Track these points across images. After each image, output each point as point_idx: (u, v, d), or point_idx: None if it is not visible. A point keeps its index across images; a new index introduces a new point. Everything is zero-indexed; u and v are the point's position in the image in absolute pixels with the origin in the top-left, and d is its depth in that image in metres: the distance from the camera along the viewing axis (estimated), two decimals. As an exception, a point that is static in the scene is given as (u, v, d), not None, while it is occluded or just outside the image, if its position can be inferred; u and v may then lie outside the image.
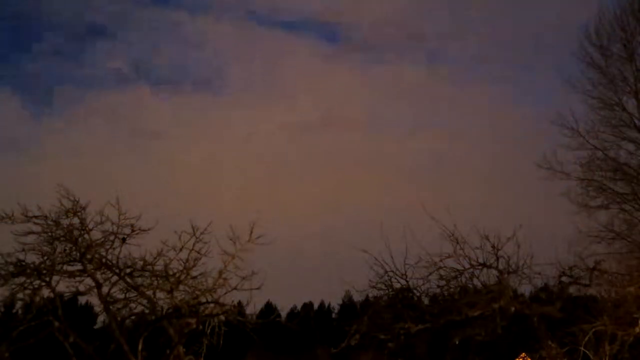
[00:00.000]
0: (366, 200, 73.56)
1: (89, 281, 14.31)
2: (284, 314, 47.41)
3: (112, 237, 14.21)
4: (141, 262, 14.34)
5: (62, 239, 14.04)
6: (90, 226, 14.13)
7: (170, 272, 14.53)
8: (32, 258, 13.84)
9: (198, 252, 14.57)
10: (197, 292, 14.81)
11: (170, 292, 14.57)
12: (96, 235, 14.20)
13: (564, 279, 16.68)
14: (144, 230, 14.26)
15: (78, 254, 14.06)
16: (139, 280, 14.53)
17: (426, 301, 16.96)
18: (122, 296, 14.65)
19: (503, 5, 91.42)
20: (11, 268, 13.65)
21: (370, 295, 17.46)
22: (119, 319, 14.56)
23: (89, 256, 14.10)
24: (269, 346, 42.43)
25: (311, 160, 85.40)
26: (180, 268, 14.59)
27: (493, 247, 15.93)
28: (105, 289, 14.36)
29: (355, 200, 74.44)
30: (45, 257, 13.92)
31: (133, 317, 15.21)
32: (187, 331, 14.52)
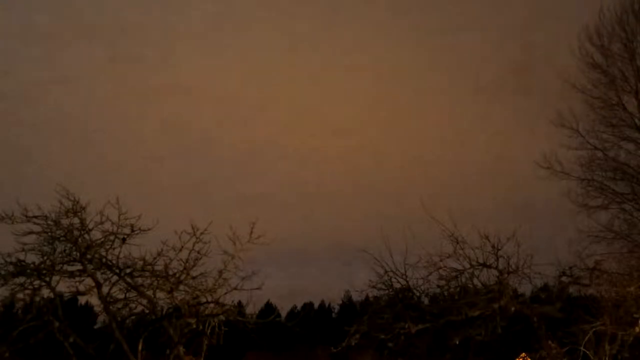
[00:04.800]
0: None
1: (89, 281, 14.33)
2: (284, 314, 47.52)
3: (112, 237, 14.22)
4: (141, 262, 14.35)
5: (62, 239, 14.04)
6: (90, 226, 14.15)
7: (170, 272, 14.55)
8: (32, 258, 13.87)
9: (198, 252, 14.59)
10: (197, 292, 14.82)
11: (170, 292, 14.59)
12: (96, 235, 14.24)
13: (564, 279, 16.71)
14: (144, 230, 14.26)
15: (78, 254, 14.07)
16: (139, 280, 14.55)
17: (426, 301, 16.98)
18: (122, 296, 14.67)
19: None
20: (11, 268, 13.65)
21: (370, 295, 17.51)
22: (119, 319, 14.57)
23: (89, 256, 14.11)
24: (269, 346, 42.43)
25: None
26: (180, 268, 14.61)
27: (493, 247, 15.95)
28: (105, 289, 14.38)
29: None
30: (45, 257, 13.93)
31: (133, 317, 15.22)
32: (187, 331, 14.53)
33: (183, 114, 79.80)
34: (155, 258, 14.43)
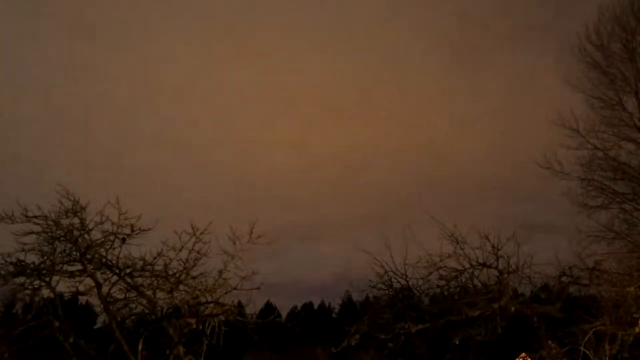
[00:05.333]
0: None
1: (89, 281, 14.33)
2: (284, 313, 47.55)
3: (112, 237, 14.21)
4: (141, 262, 14.35)
5: (62, 239, 14.04)
6: (90, 226, 14.14)
7: (170, 272, 14.54)
8: (32, 258, 13.87)
9: (198, 252, 14.58)
10: (197, 292, 14.82)
11: (170, 292, 14.59)
12: (96, 235, 14.23)
13: (564, 279, 16.68)
14: (144, 230, 14.26)
15: (78, 254, 14.06)
16: (139, 280, 14.54)
17: (426, 301, 16.95)
18: (122, 296, 14.67)
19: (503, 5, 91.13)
20: (11, 268, 13.65)
21: (370, 295, 17.48)
22: (119, 319, 14.56)
23: (89, 256, 14.11)
24: (268, 346, 42.44)
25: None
26: (180, 268, 14.61)
27: (493, 247, 15.93)
28: (105, 289, 14.37)
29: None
30: (45, 257, 13.93)
31: (133, 317, 15.22)
32: (187, 331, 14.53)
33: (183, 114, 79.98)
34: (155, 258, 14.43)
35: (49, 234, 13.94)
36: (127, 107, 78.77)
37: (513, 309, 15.92)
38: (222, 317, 15.01)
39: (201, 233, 14.49)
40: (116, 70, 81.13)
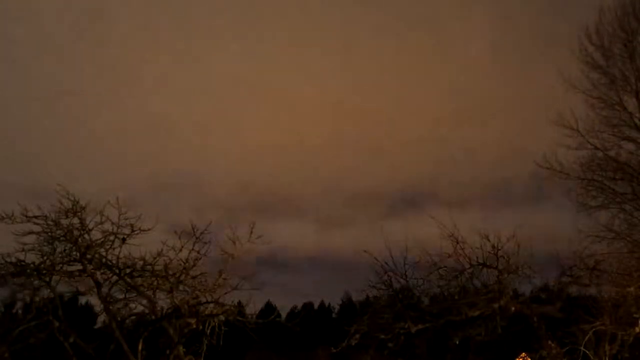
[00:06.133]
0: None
1: (89, 281, 14.32)
2: (284, 313, 47.52)
3: (112, 237, 14.21)
4: (141, 262, 14.35)
5: (62, 239, 14.03)
6: (90, 226, 14.13)
7: (170, 272, 14.54)
8: (32, 258, 13.86)
9: (198, 252, 14.59)
10: (197, 292, 14.83)
11: (170, 292, 14.59)
12: (96, 235, 14.22)
13: (564, 279, 16.69)
14: (144, 230, 14.26)
15: (78, 254, 14.06)
16: (139, 280, 14.54)
17: (426, 301, 16.96)
18: (122, 296, 14.68)
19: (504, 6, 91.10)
20: (11, 268, 13.65)
21: (370, 295, 17.49)
22: (119, 319, 14.57)
23: (89, 256, 14.10)
24: (269, 346, 42.42)
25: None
26: (180, 268, 14.60)
27: (493, 247, 15.93)
28: (105, 289, 14.38)
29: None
30: (45, 257, 13.92)
31: (133, 317, 15.23)
32: (187, 331, 14.53)
33: (183, 114, 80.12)
34: (155, 258, 14.43)
35: (49, 234, 13.94)
36: (127, 107, 78.78)
37: (513, 309, 15.92)
38: (222, 317, 15.01)
39: (201, 233, 14.51)
40: (117, 70, 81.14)
